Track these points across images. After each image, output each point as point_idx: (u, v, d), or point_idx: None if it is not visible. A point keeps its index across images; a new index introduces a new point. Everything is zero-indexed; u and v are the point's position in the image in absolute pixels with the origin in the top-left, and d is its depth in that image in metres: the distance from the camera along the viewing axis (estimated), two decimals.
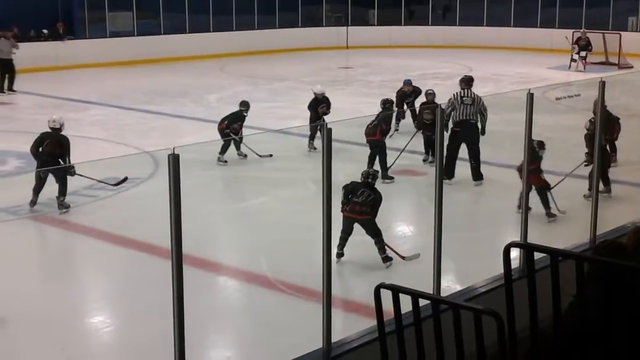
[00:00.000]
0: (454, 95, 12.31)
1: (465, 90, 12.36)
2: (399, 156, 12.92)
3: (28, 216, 10.56)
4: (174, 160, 4.31)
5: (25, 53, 25.94)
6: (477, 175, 12.10)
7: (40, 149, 10.88)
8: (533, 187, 10.19)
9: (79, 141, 15.49)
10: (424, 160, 13.18)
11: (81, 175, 10.72)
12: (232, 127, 13.57)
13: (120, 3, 29.79)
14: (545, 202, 10.26)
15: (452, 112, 12.14)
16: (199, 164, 13.08)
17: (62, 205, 10.74)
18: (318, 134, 14.00)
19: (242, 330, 7.45)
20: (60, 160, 10.86)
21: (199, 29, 31.11)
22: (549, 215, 10.27)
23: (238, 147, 13.67)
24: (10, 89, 22.29)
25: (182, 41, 30.03)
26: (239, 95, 20.37)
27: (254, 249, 9.42)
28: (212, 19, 31.92)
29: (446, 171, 11.87)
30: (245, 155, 13.67)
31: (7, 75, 22.31)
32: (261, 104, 19.81)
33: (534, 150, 10.14)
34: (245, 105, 13.97)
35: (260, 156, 13.50)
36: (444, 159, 11.75)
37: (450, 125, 12.15)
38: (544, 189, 10.26)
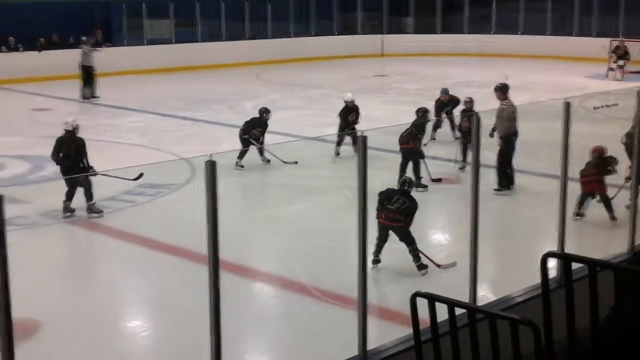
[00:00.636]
0: (508, 106, 12.11)
1: (510, 100, 12.27)
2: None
3: (66, 220, 10.68)
4: (211, 167, 4.34)
5: (64, 59, 26.35)
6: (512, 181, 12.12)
7: (60, 154, 10.98)
8: (591, 195, 10.34)
9: (116, 147, 15.72)
10: (460, 168, 13.11)
11: (100, 174, 10.75)
12: (251, 133, 13.71)
13: (158, 11, 30.11)
14: (609, 207, 10.45)
15: (507, 123, 11.98)
16: (235, 171, 13.16)
17: (92, 210, 10.81)
18: (347, 139, 14.07)
19: (278, 336, 7.47)
20: (81, 163, 10.89)
21: (235, 37, 31.33)
22: (613, 218, 10.42)
23: (261, 153, 13.78)
24: (93, 95, 22.71)
25: (219, 48, 30.25)
26: (274, 103, 20.50)
27: (290, 255, 9.45)
28: (248, 26, 32.12)
29: (506, 183, 11.83)
30: (269, 161, 13.77)
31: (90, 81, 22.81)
32: (297, 111, 19.92)
33: (610, 164, 10.32)
34: (265, 111, 14.07)
35: (284, 163, 13.58)
36: (501, 170, 11.79)
37: (495, 135, 12.04)
38: (607, 196, 10.47)
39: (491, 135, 11.97)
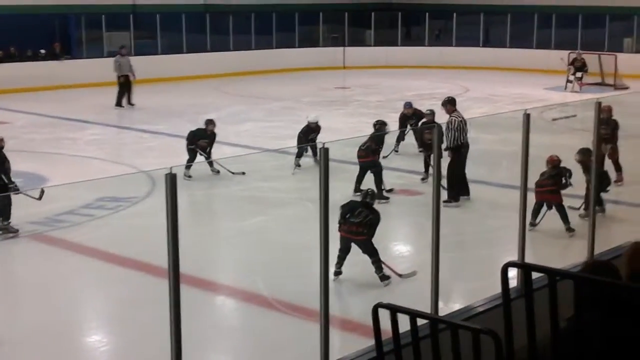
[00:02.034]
0: (457, 118, 12.20)
1: (459, 112, 12.42)
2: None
3: (24, 235, 10.51)
4: (171, 180, 4.31)
5: (22, 72, 26.08)
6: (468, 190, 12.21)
7: None
8: (545, 205, 10.42)
9: (75, 160, 15.55)
10: (422, 179, 13.18)
11: (14, 193, 10.53)
12: (198, 144, 13.75)
13: (117, 23, 29.89)
14: (565, 218, 10.51)
15: (457, 134, 12.05)
16: (195, 183, 13.09)
17: (7, 230, 10.42)
18: (308, 151, 14.13)
19: (239, 350, 7.42)
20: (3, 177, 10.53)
21: (196, 49, 31.20)
22: (569, 230, 10.48)
23: (210, 164, 13.80)
24: (129, 102, 23.21)
25: (179, 61, 30.10)
26: (236, 115, 20.47)
27: (251, 268, 9.40)
28: (209, 39, 32.03)
29: (455, 195, 11.85)
30: (218, 172, 13.86)
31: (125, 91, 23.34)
32: (258, 123, 19.88)
33: (564, 176, 10.43)
34: (210, 123, 14.14)
35: (233, 173, 13.65)
36: (452, 183, 11.84)
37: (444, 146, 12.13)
38: (562, 206, 10.53)
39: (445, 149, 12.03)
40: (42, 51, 28.18)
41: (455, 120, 12.14)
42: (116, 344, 7.58)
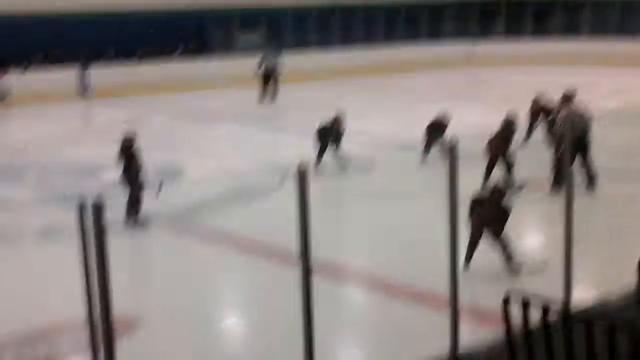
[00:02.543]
0: (570, 112, 12.01)
1: (575, 106, 12.22)
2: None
3: (161, 225, 10.89)
4: (302, 173, 4.46)
5: (158, 73, 27.05)
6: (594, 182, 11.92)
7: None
8: None
9: (209, 155, 16.06)
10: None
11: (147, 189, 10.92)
12: (327, 138, 13.90)
13: (250, 23, 30.59)
14: None
15: (568, 128, 11.85)
16: (325, 177, 13.28)
17: (136, 223, 10.73)
18: (437, 145, 14.08)
19: (368, 337, 7.46)
20: (131, 173, 10.80)
21: (324, 46, 31.54)
22: None
23: (339, 158, 13.91)
24: (273, 99, 23.85)
25: (307, 58, 30.45)
26: (363, 110, 20.57)
27: (383, 257, 9.44)
28: (337, 36, 32.32)
29: (557, 186, 11.61)
30: (345, 165, 13.88)
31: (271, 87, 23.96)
32: (386, 117, 19.95)
33: None
34: (339, 118, 14.13)
35: (358, 167, 13.78)
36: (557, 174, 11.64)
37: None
38: None
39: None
40: (177, 52, 29.15)
41: (566, 114, 11.95)
42: (250, 328, 7.77)
